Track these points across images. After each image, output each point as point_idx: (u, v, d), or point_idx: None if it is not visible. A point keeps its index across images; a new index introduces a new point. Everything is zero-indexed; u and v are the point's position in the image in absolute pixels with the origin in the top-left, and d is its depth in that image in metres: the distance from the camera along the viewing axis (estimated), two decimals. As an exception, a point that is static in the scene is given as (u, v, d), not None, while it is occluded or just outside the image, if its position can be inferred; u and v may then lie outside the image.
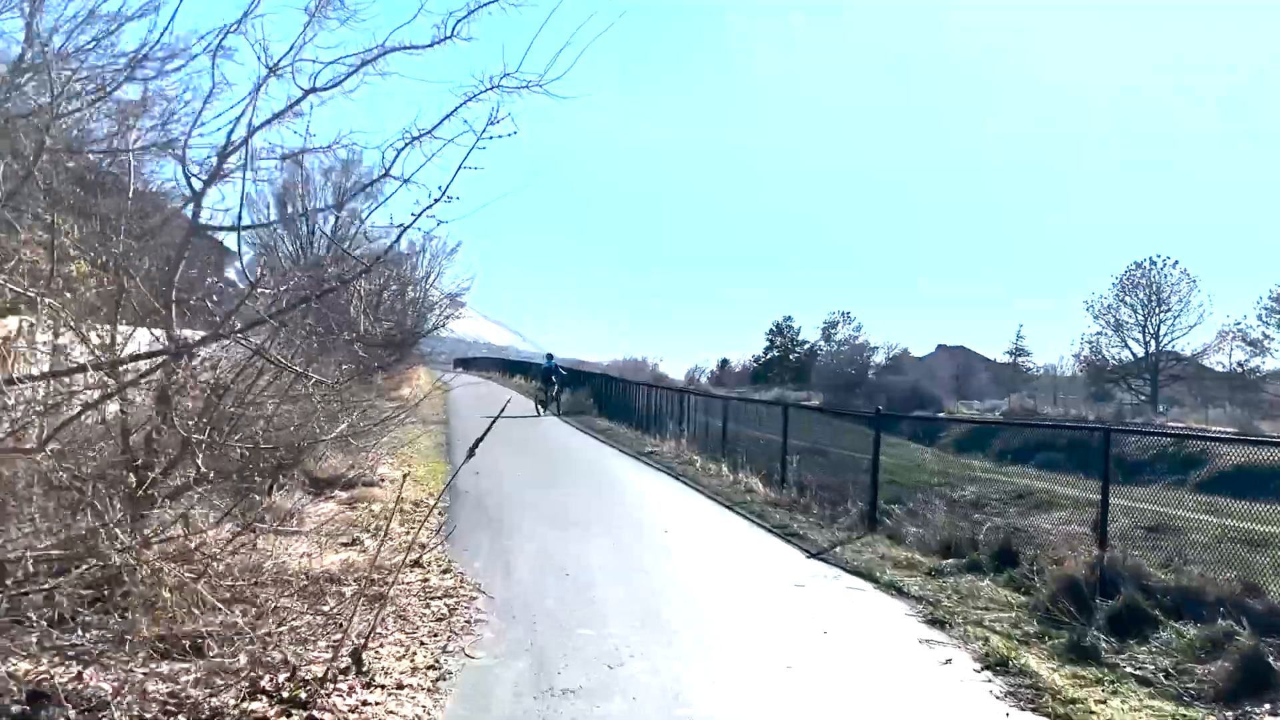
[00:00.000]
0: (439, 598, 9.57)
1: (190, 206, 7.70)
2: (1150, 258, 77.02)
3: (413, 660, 7.50)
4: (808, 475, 17.57)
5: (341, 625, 7.27)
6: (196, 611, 6.90)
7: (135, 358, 7.41)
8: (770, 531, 14.40)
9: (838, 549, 13.15)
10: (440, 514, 14.15)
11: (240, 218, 8.20)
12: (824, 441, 18.59)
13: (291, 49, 7.03)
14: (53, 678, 5.76)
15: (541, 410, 38.37)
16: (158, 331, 7.68)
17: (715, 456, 22.51)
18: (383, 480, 16.65)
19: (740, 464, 20.51)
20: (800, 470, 17.88)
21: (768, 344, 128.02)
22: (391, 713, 6.42)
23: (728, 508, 16.60)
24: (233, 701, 5.99)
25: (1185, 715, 7.17)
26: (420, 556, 10.93)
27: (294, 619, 7.52)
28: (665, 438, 26.40)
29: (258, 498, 9.85)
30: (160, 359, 7.13)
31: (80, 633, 6.64)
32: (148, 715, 5.76)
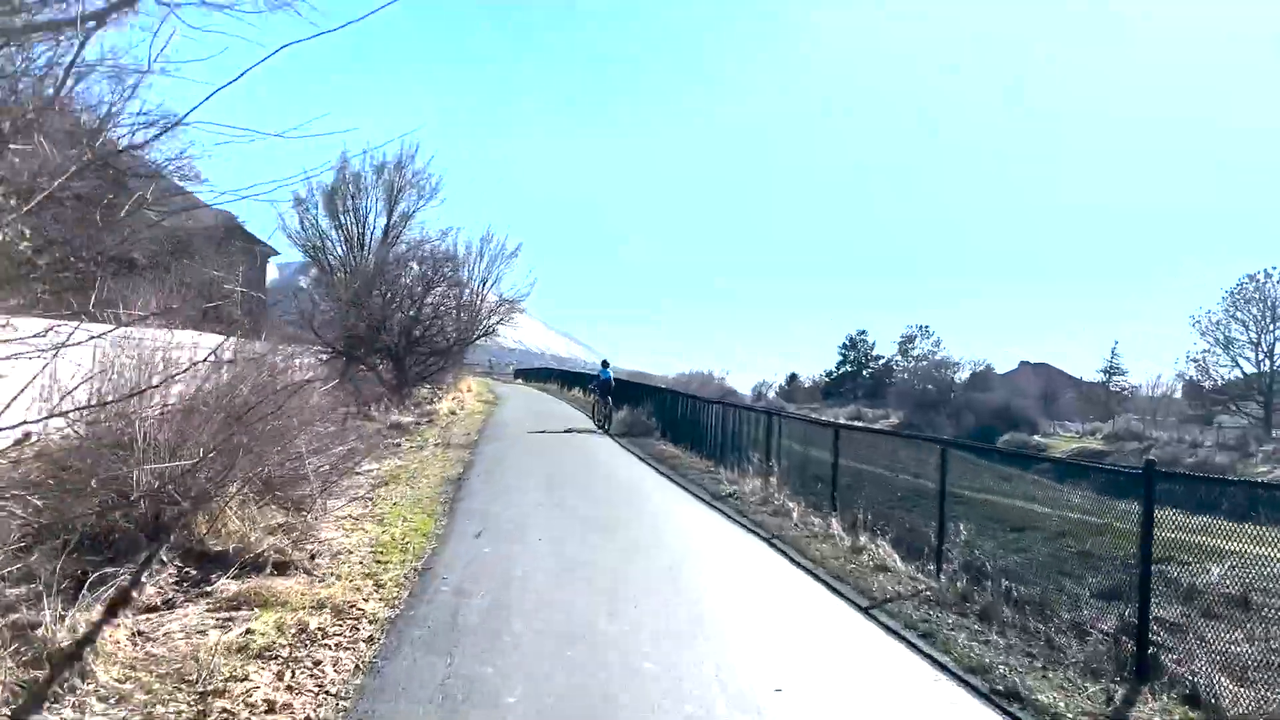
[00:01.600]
0: None
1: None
2: (1265, 270, 68.90)
3: None
4: (982, 556, 11.05)
5: None
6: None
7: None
8: (961, 680, 7.84)
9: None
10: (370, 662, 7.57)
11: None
12: (995, 496, 12.10)
13: None
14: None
15: (604, 426, 32.53)
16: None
17: (819, 504, 16.09)
18: (316, 558, 10.30)
19: (861, 520, 14.08)
20: (969, 546, 11.36)
21: (840, 358, 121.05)
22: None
23: (864, 611, 9.96)
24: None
25: None
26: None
27: None
28: (746, 473, 19.96)
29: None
30: None
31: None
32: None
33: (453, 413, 34.00)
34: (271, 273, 60.13)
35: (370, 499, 14.53)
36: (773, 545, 13.50)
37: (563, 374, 71.03)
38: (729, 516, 15.92)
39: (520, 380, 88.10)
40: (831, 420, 19.26)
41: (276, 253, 54.34)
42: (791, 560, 12.59)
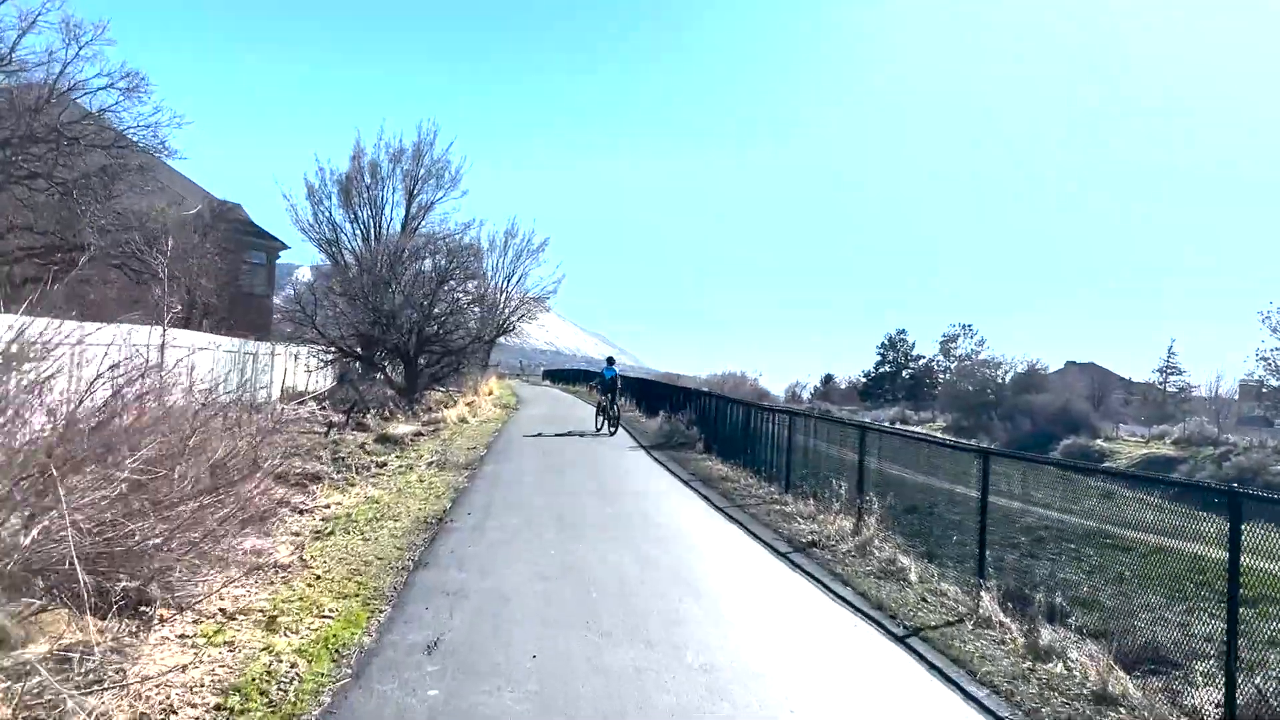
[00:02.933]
0: None
1: None
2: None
3: None
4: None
5: None
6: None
7: None
8: None
9: None
10: None
11: None
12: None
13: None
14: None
15: (608, 428, 29.06)
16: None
17: (936, 556, 10.91)
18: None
19: (1037, 601, 8.86)
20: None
21: (879, 358, 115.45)
22: None
23: None
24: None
25: None
26: None
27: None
28: (828, 506, 14.74)
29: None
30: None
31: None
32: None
33: (463, 421, 28.97)
34: (305, 275, 55.54)
35: (285, 569, 9.36)
36: (909, 648, 8.24)
37: (592, 376, 66.03)
38: (822, 584, 10.61)
39: (548, 382, 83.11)
40: (975, 445, 13.28)
41: (286, 247, 49.89)
42: (949, 681, 7.33)
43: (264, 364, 36.18)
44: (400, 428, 27.06)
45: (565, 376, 79.09)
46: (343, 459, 18.49)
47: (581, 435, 27.82)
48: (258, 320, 38.37)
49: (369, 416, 26.97)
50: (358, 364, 38.25)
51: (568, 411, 39.08)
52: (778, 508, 15.97)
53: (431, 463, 19.07)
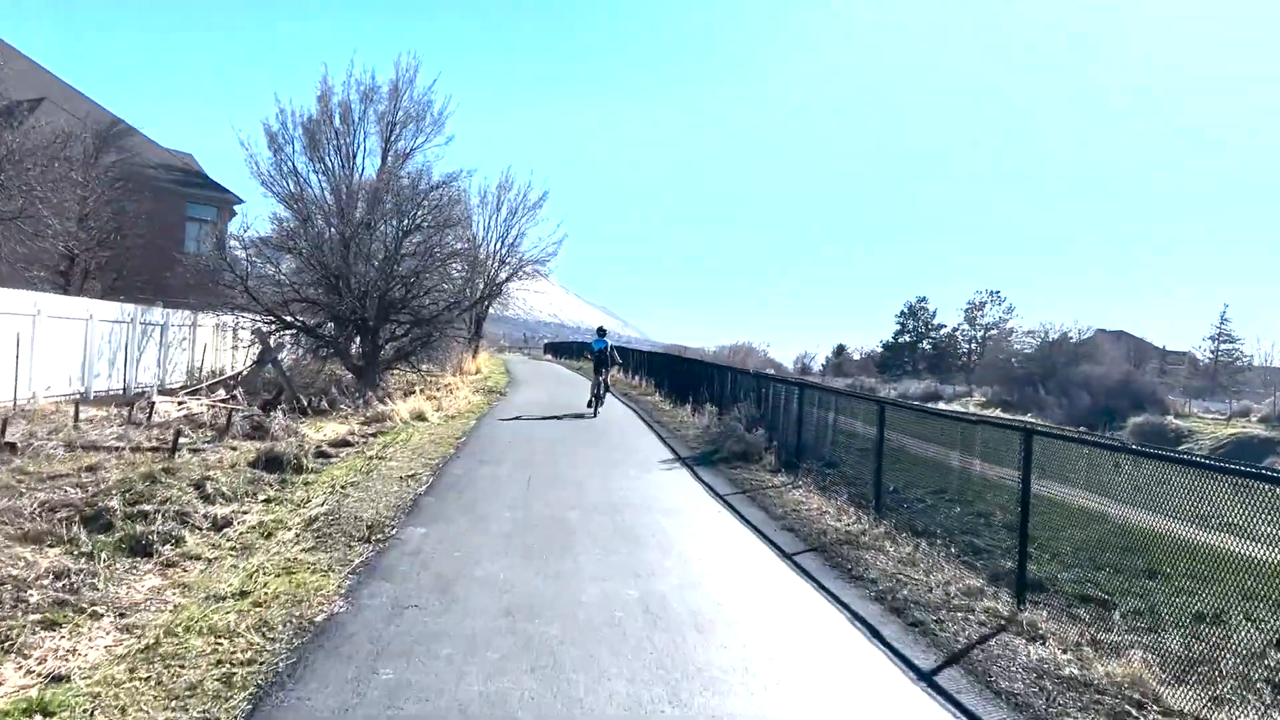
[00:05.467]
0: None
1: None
2: None
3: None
4: None
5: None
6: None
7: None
8: None
9: None
10: None
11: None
12: None
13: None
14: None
15: (596, 405, 24.31)
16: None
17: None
18: None
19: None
20: None
21: (898, 327, 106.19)
22: None
23: None
24: None
25: None
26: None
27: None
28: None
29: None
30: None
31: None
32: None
33: (419, 418, 19.71)
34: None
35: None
36: None
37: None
38: None
39: (549, 356, 73.84)
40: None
41: (240, 200, 41.08)
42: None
43: (179, 339, 27.04)
44: (326, 429, 17.99)
45: (569, 350, 69.81)
46: (140, 515, 9.35)
47: (595, 437, 18.66)
48: (200, 285, 28.95)
49: (276, 414, 17.77)
50: (308, 338, 29.04)
51: (570, 396, 29.75)
52: (995, 618, 6.69)
53: (311, 524, 9.91)
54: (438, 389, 27.46)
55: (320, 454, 15.03)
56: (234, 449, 14.85)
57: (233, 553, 8.72)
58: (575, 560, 8.73)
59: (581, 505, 11.44)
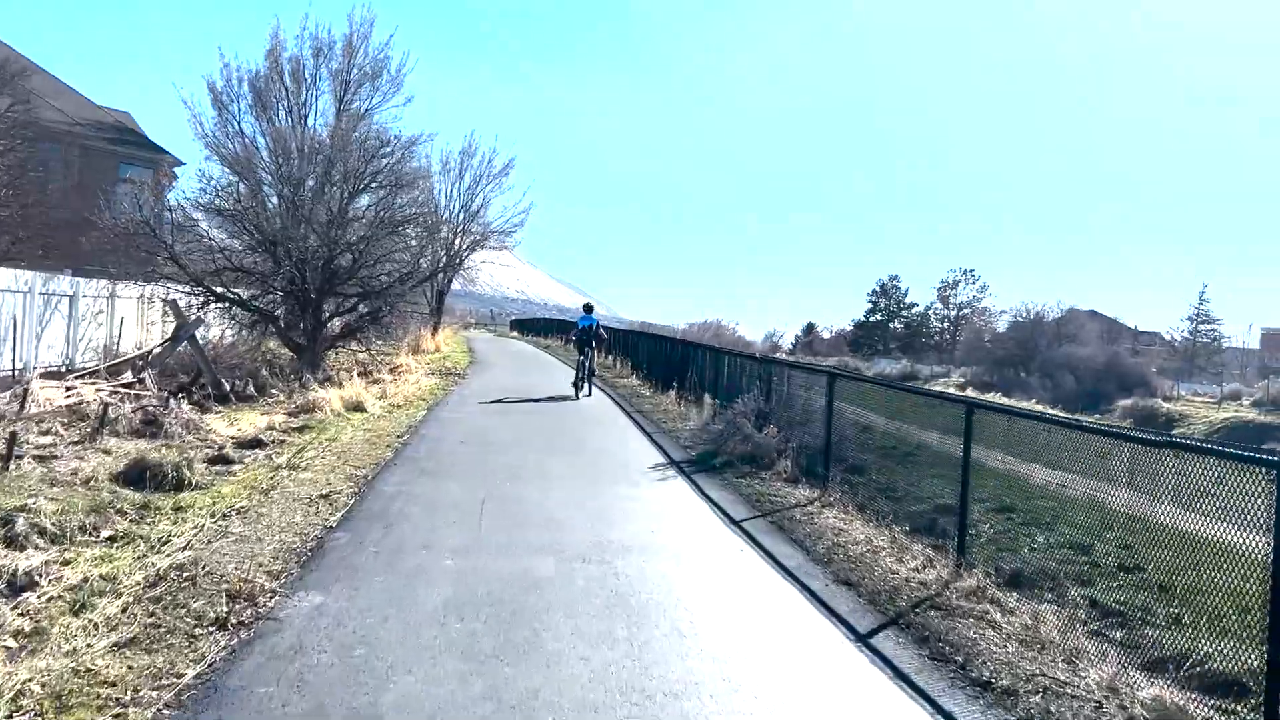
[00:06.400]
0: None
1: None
2: None
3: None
4: None
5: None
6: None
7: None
8: None
9: None
10: None
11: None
12: None
13: None
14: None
15: (581, 387, 22.11)
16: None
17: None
18: None
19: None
20: None
21: (870, 306, 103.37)
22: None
23: None
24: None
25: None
26: None
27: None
28: None
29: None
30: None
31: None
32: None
33: (356, 409, 16.28)
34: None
35: None
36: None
37: (568, 326, 53.12)
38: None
39: (516, 334, 70.27)
40: None
41: (181, 163, 37.47)
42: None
43: (93, 312, 23.36)
44: (243, 422, 14.66)
45: (536, 328, 66.22)
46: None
47: (566, 447, 15.39)
48: (120, 250, 25.18)
49: (174, 405, 14.28)
50: (244, 312, 25.45)
51: (539, 383, 26.38)
52: None
53: (154, 584, 6.55)
54: (388, 371, 24.00)
55: (218, 460, 11.61)
56: (106, 452, 11.41)
57: (3, 648, 5.37)
58: (549, 669, 5.41)
59: (555, 547, 8.12)
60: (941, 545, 9.14)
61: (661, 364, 23.66)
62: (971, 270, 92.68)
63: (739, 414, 13.65)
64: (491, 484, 10.67)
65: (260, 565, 7.07)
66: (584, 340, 22.59)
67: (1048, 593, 7.72)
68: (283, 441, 13.14)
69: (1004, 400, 42.72)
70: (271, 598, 6.38)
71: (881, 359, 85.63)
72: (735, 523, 9.67)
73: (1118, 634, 6.77)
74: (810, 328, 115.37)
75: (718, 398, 15.96)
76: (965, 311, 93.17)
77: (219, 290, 24.39)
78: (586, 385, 22.34)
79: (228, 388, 18.92)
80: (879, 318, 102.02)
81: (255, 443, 12.95)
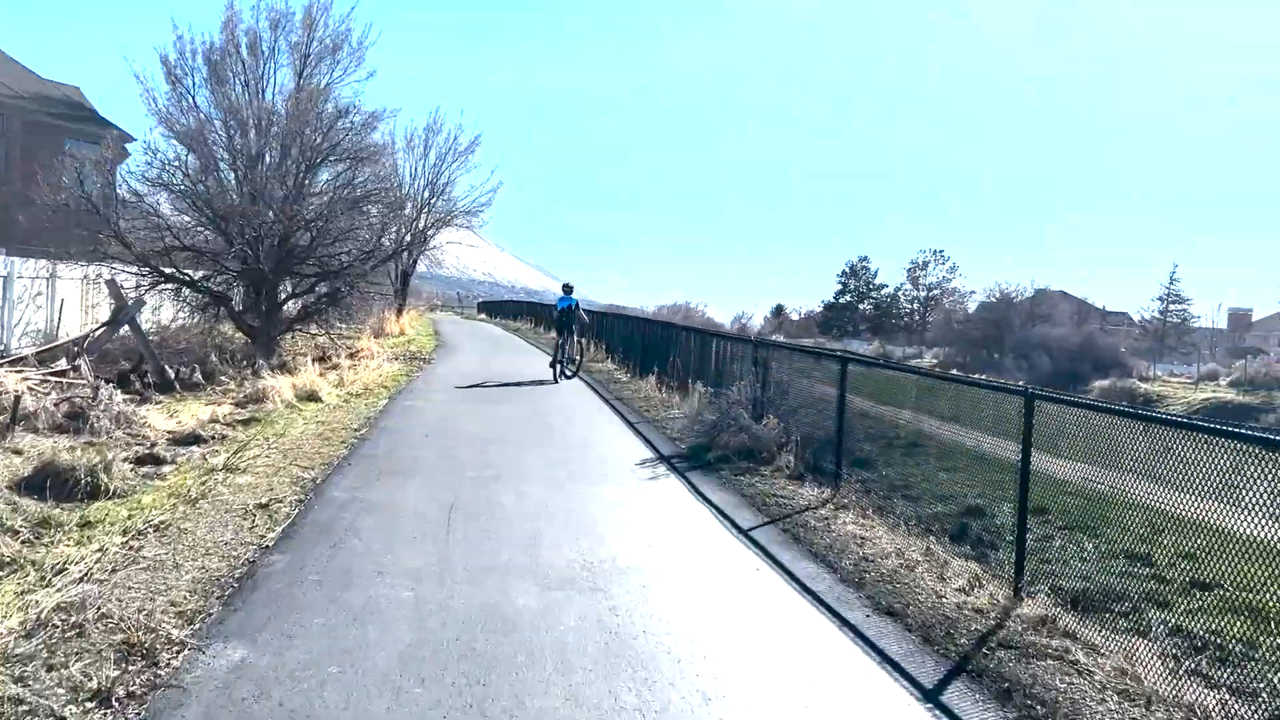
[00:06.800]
0: None
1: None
2: None
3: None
4: None
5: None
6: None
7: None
8: None
9: None
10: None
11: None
12: None
13: None
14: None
15: (563, 372, 20.98)
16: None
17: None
18: None
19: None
20: None
21: (839, 287, 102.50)
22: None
23: None
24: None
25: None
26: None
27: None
28: None
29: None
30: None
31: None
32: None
33: (309, 398, 14.75)
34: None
35: None
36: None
37: (537, 309, 51.56)
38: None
39: (484, 316, 68.56)
40: None
41: (131, 138, 35.59)
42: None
43: (32, 294, 21.66)
44: (185, 414, 13.18)
45: (504, 310, 64.54)
46: None
47: (542, 441, 14.01)
48: (70, 229, 23.47)
49: (102, 398, 12.72)
50: (195, 294, 23.77)
51: (510, 367, 24.93)
52: None
53: (34, 632, 5.10)
54: (348, 355, 22.45)
55: (147, 459, 10.12)
56: (17, 453, 9.89)
57: None
58: None
59: (537, 569, 6.73)
60: (979, 556, 7.88)
61: (639, 347, 22.27)
62: (941, 251, 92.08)
63: (734, 403, 12.28)
64: (459, 486, 9.25)
65: (172, 604, 5.63)
66: (564, 322, 21.40)
67: (1121, 618, 6.48)
68: (224, 437, 11.64)
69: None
70: (179, 653, 4.95)
71: (851, 340, 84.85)
72: (743, 532, 8.33)
73: (1223, 674, 5.52)
74: (779, 309, 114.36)
75: (704, 382, 14.55)
76: (935, 292, 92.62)
77: (168, 271, 22.77)
78: (568, 369, 21.22)
79: (172, 375, 17.32)
80: (849, 299, 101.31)
81: (193, 438, 11.45)
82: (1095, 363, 53.09)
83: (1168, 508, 6.03)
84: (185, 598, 5.78)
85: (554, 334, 30.61)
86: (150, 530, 7.17)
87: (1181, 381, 50.38)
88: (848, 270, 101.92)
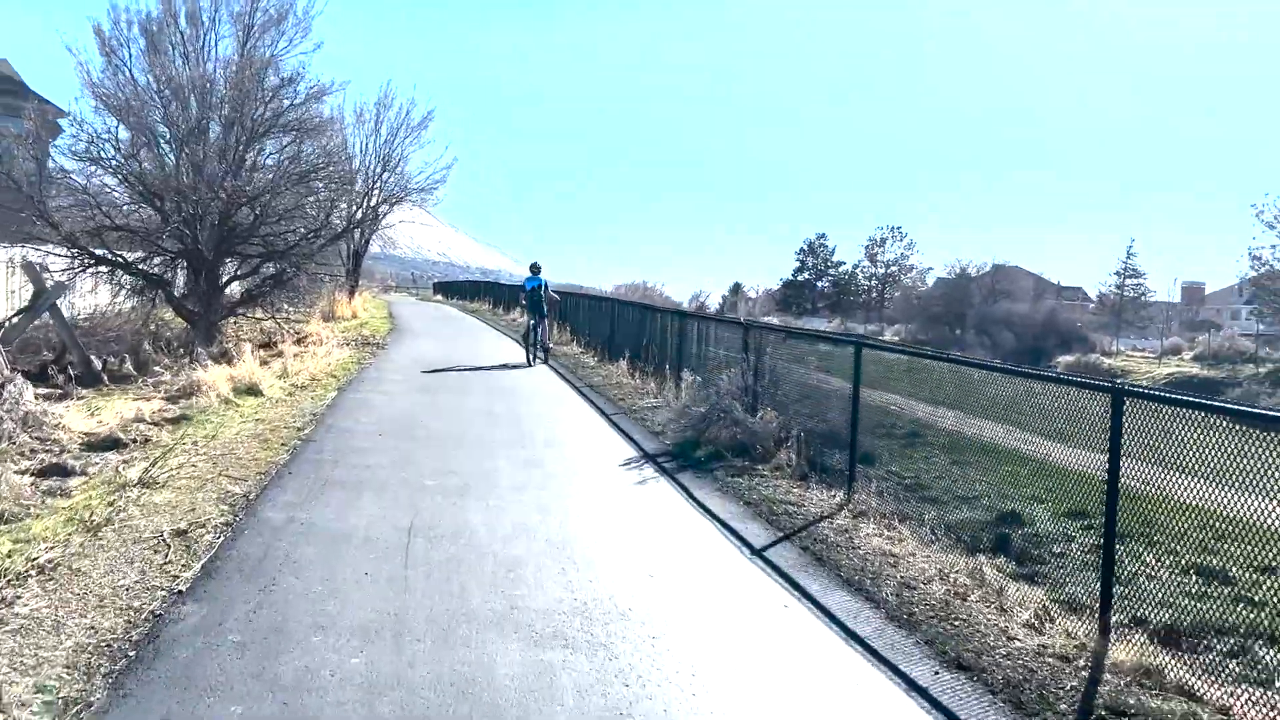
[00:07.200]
0: None
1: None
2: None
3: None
4: None
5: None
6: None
7: None
8: None
9: None
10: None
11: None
12: None
13: None
14: None
15: (534, 356, 19.98)
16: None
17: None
18: None
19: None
20: None
21: (798, 264, 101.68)
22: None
23: None
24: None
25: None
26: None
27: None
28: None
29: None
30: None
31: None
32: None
33: (249, 392, 13.15)
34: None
35: None
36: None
37: (494, 290, 49.86)
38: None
39: (440, 297, 66.71)
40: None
41: (64, 113, 33.52)
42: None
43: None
44: (108, 411, 11.65)
45: (461, 290, 62.74)
46: None
47: (513, 439, 12.65)
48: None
49: (67, 379, 11.14)
50: (130, 277, 22.02)
51: (471, 351, 23.48)
52: None
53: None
54: (295, 341, 20.86)
55: (52, 470, 8.62)
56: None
57: None
58: None
59: (519, 617, 5.36)
60: (1030, 575, 6.69)
61: (607, 330, 20.90)
62: (899, 227, 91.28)
63: (725, 394, 10.95)
64: (419, 501, 7.86)
65: (38, 691, 4.21)
66: (535, 304, 20.07)
67: (1230, 659, 5.30)
68: (148, 440, 10.12)
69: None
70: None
71: (811, 318, 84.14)
72: (757, 552, 7.03)
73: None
74: (737, 287, 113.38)
75: (693, 373, 13.18)
76: (893, 269, 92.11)
77: (99, 253, 21.07)
78: (539, 354, 19.97)
79: (99, 366, 15.70)
80: (807, 276, 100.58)
81: (112, 442, 9.93)
82: (1058, 338, 52.55)
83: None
84: (60, 678, 4.36)
85: (520, 316, 29.15)
86: (34, 573, 5.71)
87: (1145, 356, 49.95)
88: (805, 248, 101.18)
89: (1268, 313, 56.73)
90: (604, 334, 21.09)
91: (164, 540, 6.45)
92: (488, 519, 7.42)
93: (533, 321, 20.19)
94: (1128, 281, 73.15)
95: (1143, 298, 71.73)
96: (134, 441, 10.02)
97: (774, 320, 75.32)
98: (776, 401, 10.66)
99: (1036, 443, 7.01)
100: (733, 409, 10.71)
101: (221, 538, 6.62)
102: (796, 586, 6.26)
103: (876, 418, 9.05)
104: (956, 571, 6.67)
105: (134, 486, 7.82)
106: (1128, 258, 72.64)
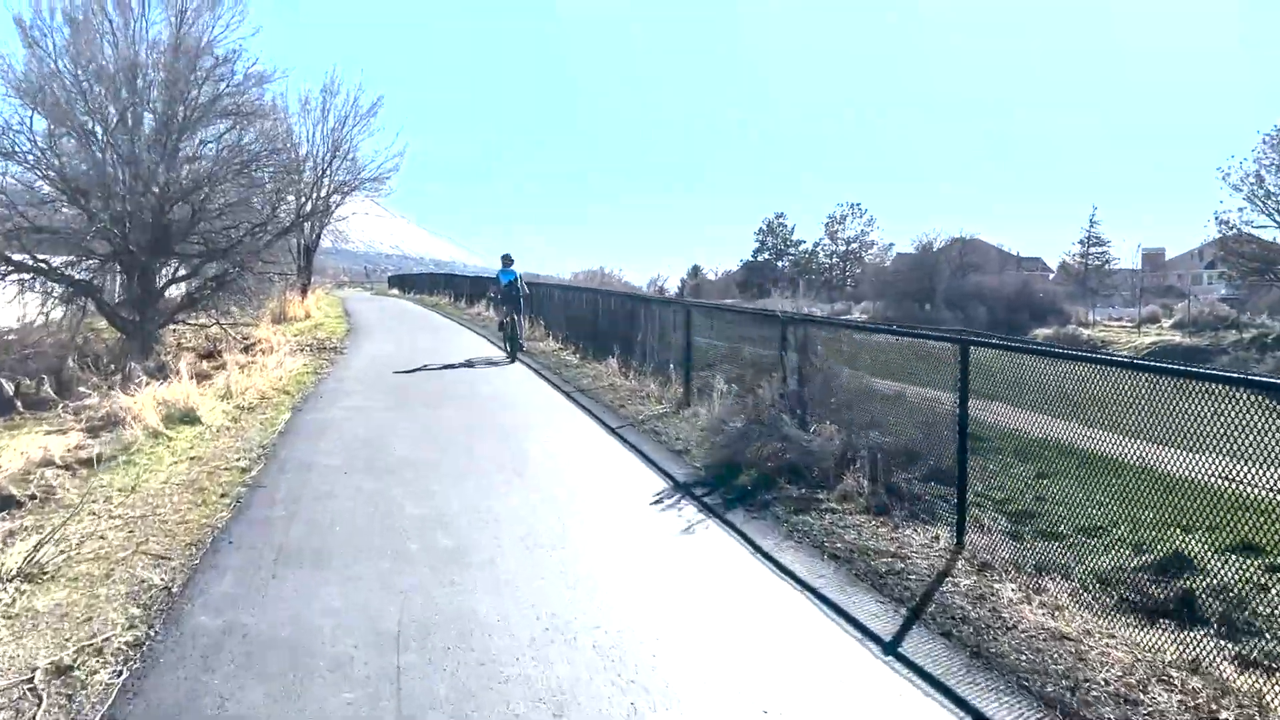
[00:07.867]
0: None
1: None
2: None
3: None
4: None
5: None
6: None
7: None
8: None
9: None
10: None
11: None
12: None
13: None
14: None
15: (511, 350, 18.38)
16: None
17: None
18: None
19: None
20: None
21: (758, 244, 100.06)
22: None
23: None
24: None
25: None
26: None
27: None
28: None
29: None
30: None
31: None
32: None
33: (187, 419, 10.88)
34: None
35: None
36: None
37: (453, 282, 47.30)
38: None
39: (396, 291, 63.98)
40: None
41: (-15, 109, 30.55)
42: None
43: None
44: (10, 450, 9.31)
45: (418, 283, 60.00)
46: None
47: (512, 469, 10.51)
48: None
49: None
50: (56, 285, 19.58)
51: (435, 348, 21.24)
52: None
53: None
54: (242, 350, 18.54)
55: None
56: None
57: None
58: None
59: None
60: (1251, 651, 4.80)
61: (589, 324, 18.80)
62: (858, 204, 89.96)
63: (767, 406, 8.89)
64: (405, 579, 5.74)
65: None
66: (511, 298, 18.18)
67: None
68: (50, 494, 7.89)
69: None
70: None
71: (775, 298, 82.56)
72: (889, 648, 5.00)
73: None
74: (696, 270, 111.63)
75: (722, 379, 11.08)
76: (854, 246, 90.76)
77: (18, 258, 18.70)
78: (516, 347, 18.27)
79: (10, 390, 13.35)
80: (766, 256, 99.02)
81: (4, 501, 7.70)
82: (1032, 310, 51.22)
83: None
84: None
85: (486, 309, 26.92)
86: None
87: (1123, 326, 48.73)
88: (765, 228, 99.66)
89: (1235, 276, 55.85)
90: (585, 328, 18.98)
91: (33, 687, 4.28)
92: (500, 606, 5.33)
93: (512, 318, 18.25)
94: (1092, 250, 72.11)
95: (1106, 265, 70.74)
96: (31, 498, 7.79)
97: (736, 302, 73.53)
98: (832, 412, 8.63)
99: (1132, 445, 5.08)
100: (779, 422, 8.65)
101: (125, 671, 4.46)
102: (961, 703, 4.25)
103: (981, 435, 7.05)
104: (1169, 665, 4.71)
105: (11, 581, 5.62)
106: (1091, 225, 71.61)
